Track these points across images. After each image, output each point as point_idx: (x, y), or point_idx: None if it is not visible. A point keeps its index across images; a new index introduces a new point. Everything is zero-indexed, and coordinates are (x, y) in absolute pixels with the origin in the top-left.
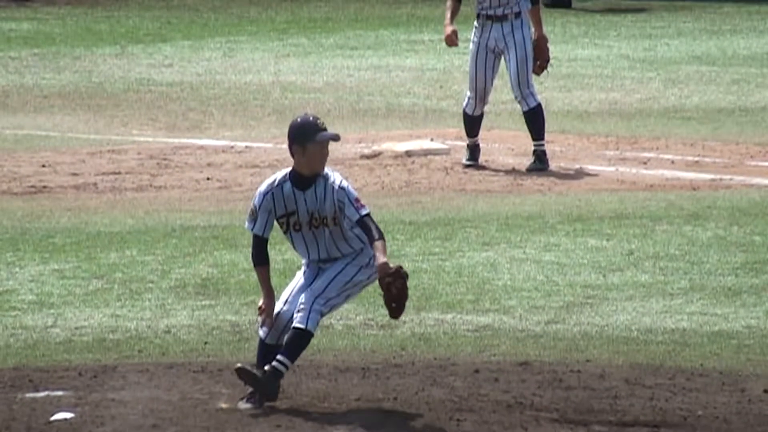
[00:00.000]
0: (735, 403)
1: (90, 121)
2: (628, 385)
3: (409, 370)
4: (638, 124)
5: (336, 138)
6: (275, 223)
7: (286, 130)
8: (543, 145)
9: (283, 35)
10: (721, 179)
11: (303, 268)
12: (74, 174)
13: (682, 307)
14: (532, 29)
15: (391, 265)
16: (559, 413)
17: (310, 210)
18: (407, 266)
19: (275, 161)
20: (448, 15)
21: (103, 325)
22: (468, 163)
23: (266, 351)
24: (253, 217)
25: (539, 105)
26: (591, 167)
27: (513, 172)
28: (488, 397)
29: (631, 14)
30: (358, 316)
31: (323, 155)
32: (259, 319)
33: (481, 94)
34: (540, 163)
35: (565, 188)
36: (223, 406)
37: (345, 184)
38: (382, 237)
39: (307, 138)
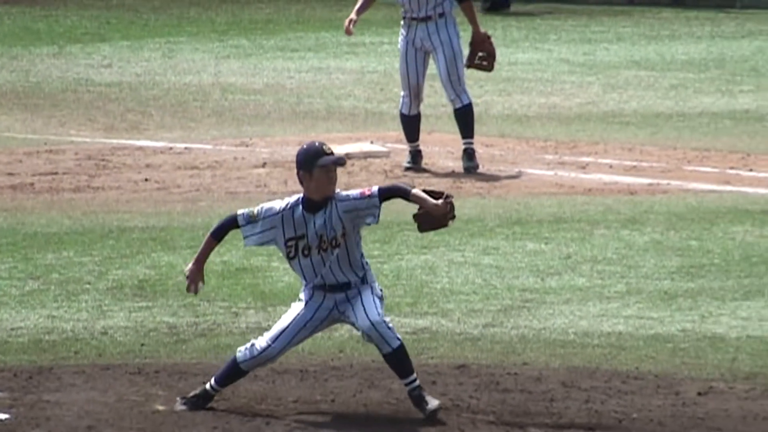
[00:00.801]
0: (670, 406)
1: (27, 120)
2: (564, 388)
3: (347, 373)
4: (577, 128)
5: (341, 162)
6: (283, 252)
7: (225, 131)
8: (472, 143)
9: (223, 36)
10: (658, 184)
11: (299, 302)
12: (11, 174)
13: (618, 310)
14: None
15: (437, 205)
16: (496, 416)
17: (319, 232)
18: None
19: (214, 162)
20: (357, 6)
21: (39, 326)
22: (408, 165)
23: (235, 372)
24: (250, 217)
25: (471, 103)
26: (530, 171)
27: (452, 174)
28: None
29: (572, 18)
30: None
31: (330, 179)
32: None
33: (414, 91)
34: (470, 161)
35: (504, 192)
36: (160, 408)
37: (344, 194)
38: (409, 186)
39: (312, 163)
